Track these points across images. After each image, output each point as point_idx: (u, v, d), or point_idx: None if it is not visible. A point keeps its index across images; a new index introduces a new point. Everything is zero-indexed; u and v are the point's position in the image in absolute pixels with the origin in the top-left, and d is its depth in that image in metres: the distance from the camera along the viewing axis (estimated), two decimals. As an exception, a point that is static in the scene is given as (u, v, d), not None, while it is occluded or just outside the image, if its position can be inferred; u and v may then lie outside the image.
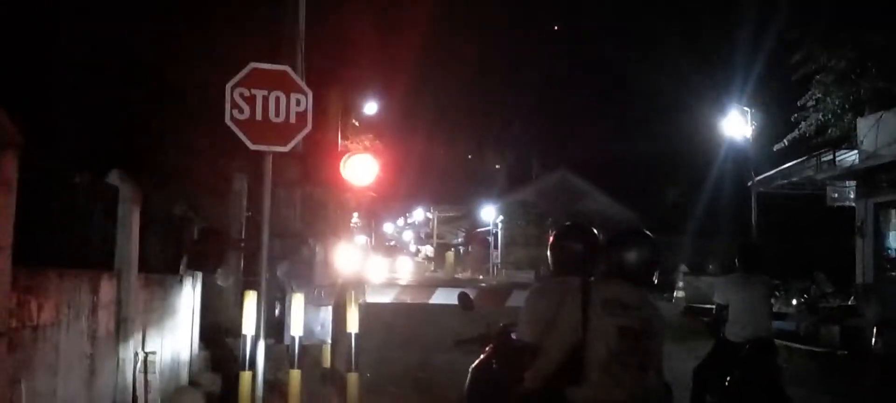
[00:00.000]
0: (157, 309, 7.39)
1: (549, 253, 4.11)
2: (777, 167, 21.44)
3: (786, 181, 21.13)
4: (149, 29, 8.50)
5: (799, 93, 18.43)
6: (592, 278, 3.77)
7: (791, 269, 20.19)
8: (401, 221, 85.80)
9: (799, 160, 19.99)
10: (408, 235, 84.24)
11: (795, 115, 18.86)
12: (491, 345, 4.56)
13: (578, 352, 3.51)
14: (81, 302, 5.32)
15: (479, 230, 58.98)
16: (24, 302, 4.36)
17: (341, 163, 8.68)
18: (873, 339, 11.26)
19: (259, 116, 6.40)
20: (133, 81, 8.44)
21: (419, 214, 78.70)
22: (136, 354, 6.47)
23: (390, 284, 24.45)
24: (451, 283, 34.11)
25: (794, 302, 17.90)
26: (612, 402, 3.50)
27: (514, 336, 4.03)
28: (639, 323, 3.57)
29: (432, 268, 63.26)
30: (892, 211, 15.19)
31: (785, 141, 19.53)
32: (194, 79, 8.60)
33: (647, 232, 3.94)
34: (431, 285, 18.18)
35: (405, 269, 56.85)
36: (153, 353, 6.73)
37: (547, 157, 52.55)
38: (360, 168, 8.67)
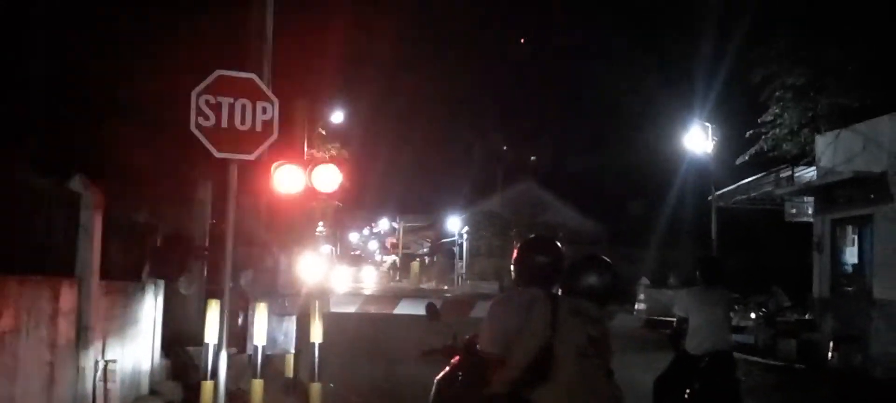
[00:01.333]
0: (119, 317, 7.31)
1: (513, 265, 4.17)
2: (737, 181, 21.77)
3: (745, 196, 21.44)
4: (114, 34, 8.43)
5: (760, 109, 18.76)
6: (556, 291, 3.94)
7: (750, 283, 20.48)
8: (366, 231, 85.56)
9: (758, 175, 20.33)
10: (373, 245, 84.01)
11: (752, 131, 19.18)
12: (457, 357, 4.58)
13: (544, 357, 3.57)
14: (41, 310, 5.26)
15: (444, 240, 59.03)
16: (-17, 309, 4.31)
17: (307, 173, 8.69)
18: (830, 353, 11.48)
19: (224, 124, 6.37)
20: (97, 87, 8.35)
21: (385, 224, 78.53)
22: (97, 362, 6.39)
23: (355, 294, 24.37)
24: (416, 294, 34.08)
25: (753, 315, 18.15)
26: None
27: (478, 346, 4.06)
28: (602, 335, 3.70)
29: (397, 278, 63.14)
30: (849, 228, 15.51)
31: (746, 156, 19.85)
32: (159, 86, 8.54)
33: (606, 259, 4.14)
34: (396, 295, 18.15)
35: (370, 279, 56.68)
36: (114, 362, 6.65)
37: (513, 169, 52.79)
38: (326, 176, 8.69)
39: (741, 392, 7.52)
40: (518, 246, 4.28)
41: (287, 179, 8.46)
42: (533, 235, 4.54)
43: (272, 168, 8.56)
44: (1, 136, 6.80)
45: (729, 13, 23.24)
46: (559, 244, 4.22)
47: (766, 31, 18.60)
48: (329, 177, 8.71)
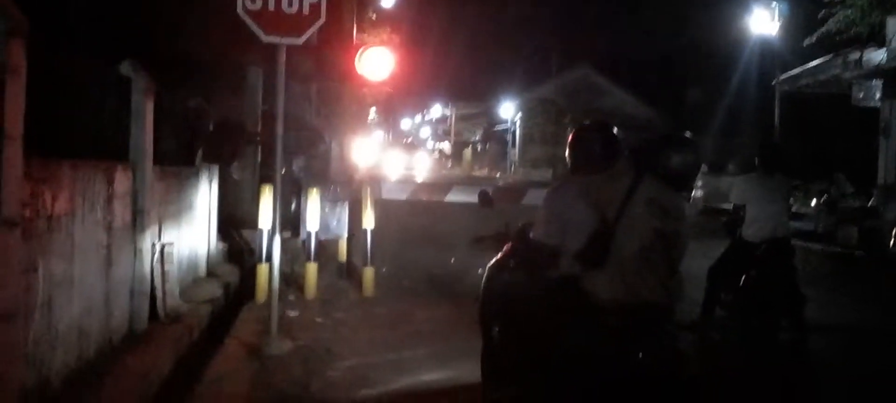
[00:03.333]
0: (174, 202, 7.41)
1: (568, 150, 4.01)
2: (803, 65, 20.97)
3: (811, 80, 20.69)
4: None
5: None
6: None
7: (813, 170, 20.00)
8: (418, 117, 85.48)
9: (825, 58, 19.52)
10: (425, 132, 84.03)
11: (823, 12, 18.31)
12: (508, 244, 4.53)
13: (602, 243, 3.47)
14: (96, 193, 5.32)
15: (497, 127, 58.66)
16: (38, 193, 4.35)
17: (356, 57, 8.56)
18: (891, 240, 11.18)
19: (271, 7, 6.25)
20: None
21: (437, 111, 78.25)
22: (154, 245, 6.51)
23: (407, 181, 24.50)
24: (468, 181, 34.15)
25: (814, 202, 17.77)
26: (634, 299, 3.47)
27: (531, 235, 3.96)
28: (673, 229, 3.57)
29: (449, 166, 63.31)
30: (919, 113, 14.91)
31: (813, 38, 19.03)
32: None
33: (688, 137, 4.03)
34: (448, 183, 18.16)
35: (422, 166, 56.96)
36: (170, 244, 6.77)
37: (568, 54, 51.69)
38: (376, 62, 8.56)
39: (798, 278, 7.38)
40: (572, 131, 4.11)
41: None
42: (588, 121, 4.35)
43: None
44: (50, 21, 6.78)
45: None
46: (615, 129, 4.04)
47: None
48: (380, 63, 8.57)
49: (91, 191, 5.21)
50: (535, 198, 9.61)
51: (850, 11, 17.49)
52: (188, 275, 7.84)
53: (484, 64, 61.80)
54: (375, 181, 12.01)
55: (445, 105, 73.51)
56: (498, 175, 49.48)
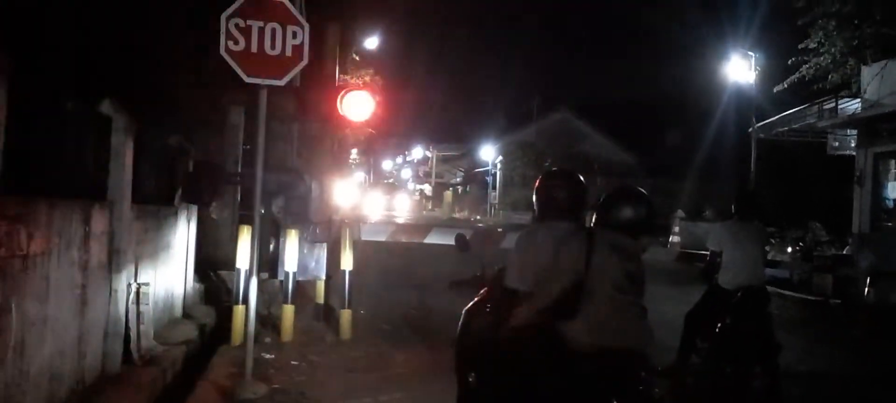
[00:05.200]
0: (151, 241, 7.36)
1: (534, 196, 4.08)
2: (779, 113, 21.30)
3: (786, 128, 21.00)
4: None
5: (804, 38, 18.19)
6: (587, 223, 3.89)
7: (788, 217, 20.21)
8: (399, 159, 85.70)
9: (801, 107, 19.85)
10: (406, 173, 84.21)
11: (795, 58, 18.62)
12: (485, 288, 4.54)
13: (575, 292, 3.50)
14: (73, 233, 5.29)
15: (477, 170, 58.92)
16: (13, 231, 4.32)
17: (339, 99, 8.60)
18: (866, 289, 11.28)
19: (254, 48, 6.29)
20: (127, 9, 8.27)
21: (418, 152, 78.55)
22: (130, 285, 6.45)
23: (387, 222, 24.48)
24: (448, 223, 34.19)
25: (789, 249, 17.94)
26: (609, 344, 3.49)
27: (504, 281, 3.99)
28: (637, 268, 3.62)
29: (430, 207, 63.36)
30: (892, 161, 15.14)
31: (785, 84, 19.32)
32: (189, 8, 8.45)
33: (641, 190, 4.09)
34: (428, 224, 18.18)
35: (403, 207, 56.92)
36: (147, 285, 6.72)
37: (548, 98, 52.25)
38: (358, 104, 8.59)
39: (773, 326, 7.43)
40: (539, 178, 4.17)
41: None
42: (554, 168, 4.43)
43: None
44: (32, 60, 6.78)
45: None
46: (581, 177, 4.10)
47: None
48: (362, 105, 8.61)
49: (68, 229, 5.18)
50: (514, 241, 9.60)
51: (823, 59, 17.80)
52: (164, 316, 7.77)
53: (465, 107, 62.37)
54: (355, 222, 12.01)
55: (426, 147, 73.85)
56: (478, 217, 49.59)
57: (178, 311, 8.46)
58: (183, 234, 8.63)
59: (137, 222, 6.75)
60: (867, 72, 16.09)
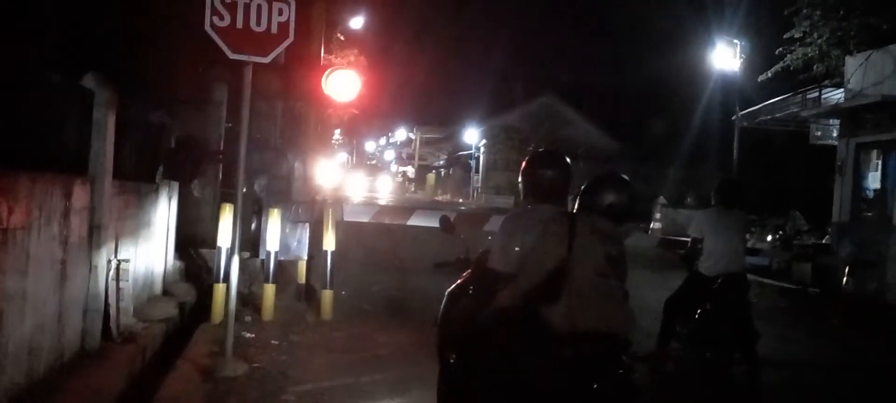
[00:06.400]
0: (132, 217, 7.31)
1: (520, 179, 4.07)
2: (763, 102, 21.40)
3: (770, 116, 21.10)
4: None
5: (790, 27, 18.25)
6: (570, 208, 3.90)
7: (769, 205, 20.35)
8: (383, 140, 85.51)
9: (784, 96, 19.94)
10: (389, 155, 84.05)
11: (781, 48, 18.68)
12: (469, 270, 4.54)
13: (558, 275, 3.49)
14: (53, 207, 5.23)
15: (461, 153, 58.90)
16: (-7, 205, 4.27)
17: (323, 78, 8.54)
18: (845, 278, 11.39)
19: (239, 24, 6.21)
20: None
21: (402, 134, 78.39)
22: (109, 261, 6.40)
23: (370, 203, 24.42)
24: (430, 205, 34.15)
25: (770, 238, 18.08)
26: (591, 329, 3.49)
27: (488, 263, 3.99)
28: (620, 255, 3.62)
29: (413, 189, 63.31)
30: (874, 152, 15.24)
31: (769, 73, 19.39)
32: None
33: (624, 176, 4.13)
34: (411, 206, 18.14)
35: (386, 189, 56.83)
36: (126, 261, 6.67)
37: (532, 82, 52.23)
38: (343, 83, 8.54)
39: (752, 313, 7.50)
40: (526, 160, 4.17)
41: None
42: (541, 149, 4.42)
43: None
44: (15, 33, 6.68)
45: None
46: (567, 159, 4.10)
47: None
48: (346, 84, 8.55)
49: (48, 204, 5.13)
50: (497, 224, 9.59)
51: (809, 49, 17.86)
52: (144, 293, 7.72)
53: (449, 89, 62.18)
54: (338, 202, 11.97)
55: (410, 129, 73.73)
56: (461, 200, 49.63)
57: (159, 289, 8.41)
58: (164, 211, 8.57)
59: (118, 198, 6.69)
60: (851, 63, 16.15)
